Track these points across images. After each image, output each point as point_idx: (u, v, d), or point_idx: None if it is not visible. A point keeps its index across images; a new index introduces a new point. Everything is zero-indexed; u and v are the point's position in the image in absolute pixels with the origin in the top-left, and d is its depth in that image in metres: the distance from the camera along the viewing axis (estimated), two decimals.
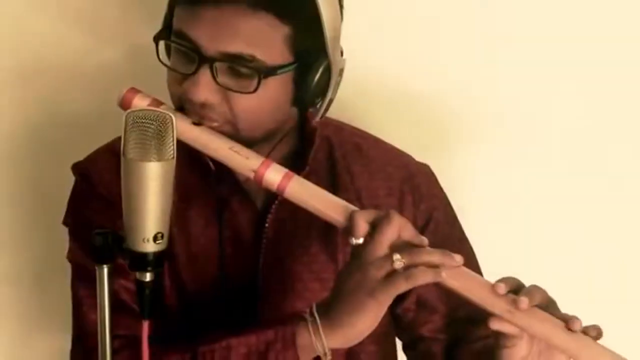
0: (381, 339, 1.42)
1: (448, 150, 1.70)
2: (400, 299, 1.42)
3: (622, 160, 1.74)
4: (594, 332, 1.17)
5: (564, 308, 1.20)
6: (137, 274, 1.09)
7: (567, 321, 1.16)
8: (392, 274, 1.16)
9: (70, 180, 1.41)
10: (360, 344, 1.37)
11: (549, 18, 1.68)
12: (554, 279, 1.23)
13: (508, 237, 1.72)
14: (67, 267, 1.40)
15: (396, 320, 1.45)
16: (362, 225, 1.20)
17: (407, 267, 1.16)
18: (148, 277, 1.09)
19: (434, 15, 1.67)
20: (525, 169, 1.74)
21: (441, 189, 1.46)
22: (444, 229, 1.42)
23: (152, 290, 1.10)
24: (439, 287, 1.35)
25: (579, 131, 1.72)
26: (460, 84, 1.70)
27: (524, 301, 1.14)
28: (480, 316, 1.20)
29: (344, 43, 1.32)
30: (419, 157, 1.47)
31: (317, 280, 1.37)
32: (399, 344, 1.50)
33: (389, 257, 1.17)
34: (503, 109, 1.71)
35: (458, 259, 1.18)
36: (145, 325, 1.10)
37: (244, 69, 1.23)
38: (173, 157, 1.07)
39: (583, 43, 1.68)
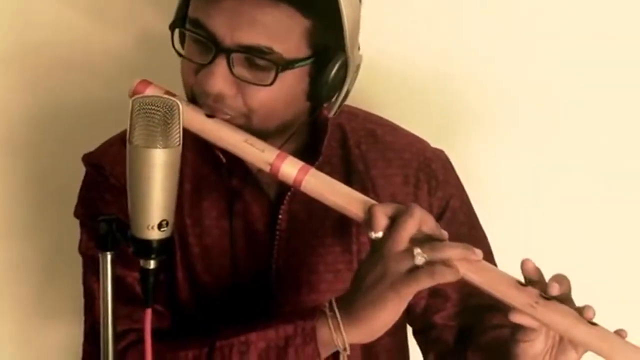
0: (393, 329, 1.38)
1: (455, 141, 1.69)
2: None
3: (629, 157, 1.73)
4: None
5: None
6: (142, 262, 1.08)
7: (582, 311, 1.15)
8: (415, 269, 1.15)
9: (79, 170, 1.41)
10: None
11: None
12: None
13: (513, 229, 1.71)
14: (77, 258, 1.40)
15: (408, 308, 1.43)
16: (381, 219, 1.18)
17: (429, 262, 1.15)
18: (152, 264, 1.08)
19: (450, 2, 1.67)
20: (535, 161, 1.74)
21: (457, 176, 1.45)
22: (459, 217, 1.41)
23: (156, 279, 1.09)
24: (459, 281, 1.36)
25: (592, 124, 1.72)
26: (473, 71, 1.69)
27: (555, 286, 1.13)
28: (493, 304, 1.19)
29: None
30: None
31: (332, 271, 1.36)
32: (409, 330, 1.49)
33: (409, 251, 1.15)
34: (516, 100, 1.71)
35: (479, 252, 1.16)
36: (148, 312, 1.09)
37: (261, 61, 1.21)
38: (179, 145, 1.06)
39: (601, 38, 1.68)
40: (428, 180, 1.39)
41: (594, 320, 1.15)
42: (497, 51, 1.69)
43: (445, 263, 1.15)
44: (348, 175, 1.37)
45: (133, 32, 1.66)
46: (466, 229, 1.40)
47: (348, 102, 1.40)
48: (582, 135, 1.72)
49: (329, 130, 1.35)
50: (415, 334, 1.48)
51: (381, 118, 1.46)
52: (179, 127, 1.05)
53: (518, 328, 1.18)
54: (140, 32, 1.65)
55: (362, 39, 1.31)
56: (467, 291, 1.38)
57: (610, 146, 1.73)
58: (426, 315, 1.42)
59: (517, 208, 1.74)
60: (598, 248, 1.75)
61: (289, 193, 1.34)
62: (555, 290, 1.13)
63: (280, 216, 1.35)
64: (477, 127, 1.71)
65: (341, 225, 1.36)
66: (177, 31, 1.27)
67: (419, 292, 1.37)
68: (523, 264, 1.17)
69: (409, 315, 1.45)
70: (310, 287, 1.35)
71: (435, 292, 1.40)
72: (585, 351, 1.19)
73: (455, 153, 1.46)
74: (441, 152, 1.45)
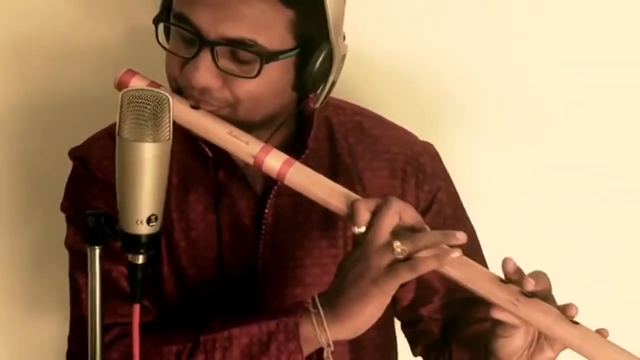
0: (382, 323, 1.40)
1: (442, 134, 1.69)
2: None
3: (625, 152, 1.73)
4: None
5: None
6: (130, 257, 1.08)
7: (565, 309, 1.15)
8: (396, 263, 1.15)
9: (66, 163, 1.40)
10: None
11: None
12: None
13: (502, 225, 1.72)
14: (64, 252, 1.40)
15: (395, 302, 1.44)
16: (363, 214, 1.18)
17: (410, 254, 1.15)
18: (140, 259, 1.08)
19: None
20: (526, 155, 1.74)
21: (445, 170, 1.45)
22: (447, 210, 1.41)
23: (144, 274, 1.09)
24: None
25: (582, 117, 1.72)
26: (461, 64, 1.69)
27: (530, 282, 1.13)
28: (479, 298, 1.18)
29: (345, 24, 1.30)
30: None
31: (318, 265, 1.36)
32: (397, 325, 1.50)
33: (390, 244, 1.15)
34: (506, 92, 1.71)
35: (460, 235, 1.15)
36: (136, 308, 1.08)
37: (246, 54, 1.21)
38: (169, 139, 1.05)
39: (593, 33, 1.68)
40: (415, 173, 1.39)
41: (576, 320, 1.15)
42: (487, 44, 1.69)
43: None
44: (335, 168, 1.37)
45: (122, 24, 1.65)
46: (452, 222, 1.40)
47: (336, 95, 1.40)
48: (573, 129, 1.72)
49: (316, 123, 1.35)
50: (403, 326, 1.49)
51: (369, 111, 1.45)
52: (169, 121, 1.05)
53: (498, 323, 1.19)
54: (130, 24, 1.64)
55: (349, 31, 1.31)
56: (453, 284, 1.37)
57: (601, 141, 1.73)
58: (413, 308, 1.42)
59: (506, 204, 1.74)
60: (594, 245, 1.75)
61: (275, 187, 1.34)
62: (530, 285, 1.13)
63: (266, 210, 1.35)
64: (464, 120, 1.72)
65: (328, 219, 1.36)
66: (162, 25, 1.27)
67: (407, 285, 1.40)
68: (504, 262, 1.17)
69: (396, 308, 1.45)
70: (296, 281, 1.35)
71: (422, 285, 1.40)
72: (563, 349, 1.19)
73: (442, 146, 1.46)
74: (430, 145, 1.45)
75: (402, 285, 1.38)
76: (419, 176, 1.39)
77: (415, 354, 1.48)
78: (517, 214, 1.74)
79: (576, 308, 1.15)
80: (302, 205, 1.35)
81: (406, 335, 1.49)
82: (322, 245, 1.36)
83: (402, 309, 1.44)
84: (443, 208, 1.40)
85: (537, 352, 1.20)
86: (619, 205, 1.74)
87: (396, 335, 1.50)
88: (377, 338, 1.41)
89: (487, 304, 1.18)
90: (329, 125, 1.40)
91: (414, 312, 1.43)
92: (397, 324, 1.50)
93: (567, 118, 1.72)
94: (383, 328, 1.42)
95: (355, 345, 1.38)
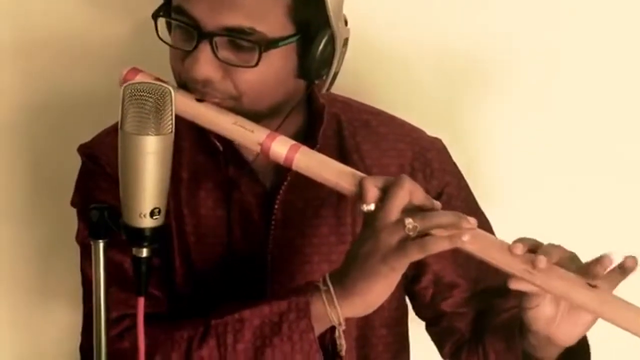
0: (391, 323, 1.41)
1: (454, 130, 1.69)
2: (416, 279, 1.41)
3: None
4: (630, 263, 1.11)
5: None
6: (134, 250, 1.08)
7: (587, 269, 1.12)
8: (406, 241, 1.14)
9: (76, 159, 1.40)
10: (372, 327, 1.38)
11: None
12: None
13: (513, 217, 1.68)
14: (73, 247, 1.40)
15: (415, 299, 1.44)
16: (372, 191, 1.17)
17: (421, 232, 1.14)
18: (144, 252, 1.08)
19: None
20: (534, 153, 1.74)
21: (454, 164, 1.44)
22: (455, 203, 1.40)
23: (149, 267, 1.09)
24: (455, 262, 1.35)
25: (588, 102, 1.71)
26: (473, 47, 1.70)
27: (542, 260, 1.11)
28: (502, 287, 1.16)
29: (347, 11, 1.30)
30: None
31: (326, 261, 1.35)
32: (412, 328, 1.48)
33: (401, 222, 1.14)
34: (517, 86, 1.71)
35: (472, 221, 1.14)
36: (141, 301, 1.09)
37: (245, 43, 1.21)
38: (171, 132, 1.05)
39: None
40: (423, 169, 1.39)
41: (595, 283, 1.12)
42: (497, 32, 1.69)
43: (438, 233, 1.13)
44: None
45: (128, 22, 1.66)
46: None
47: (345, 92, 1.40)
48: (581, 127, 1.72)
49: (325, 119, 1.35)
50: (427, 326, 1.47)
51: (376, 108, 1.45)
52: (172, 114, 1.04)
53: (523, 295, 1.16)
54: (135, 22, 1.65)
55: (352, 20, 1.30)
56: (473, 276, 1.38)
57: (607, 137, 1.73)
58: (435, 304, 1.42)
59: (516, 197, 1.74)
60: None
61: (285, 183, 1.33)
62: (542, 263, 1.10)
63: (276, 206, 1.34)
64: (477, 113, 1.72)
65: (337, 216, 1.36)
66: (165, 21, 1.28)
67: (424, 282, 1.40)
68: (512, 247, 1.14)
69: (418, 306, 1.45)
70: (304, 277, 1.34)
71: (439, 281, 1.40)
72: None
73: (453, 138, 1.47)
74: (438, 140, 1.44)
75: (418, 282, 1.41)
76: (426, 171, 1.39)
77: (443, 356, 1.46)
78: (530, 208, 1.74)
79: (601, 264, 1.10)
80: (311, 202, 1.35)
81: (432, 336, 1.47)
82: (331, 242, 1.36)
83: (424, 306, 1.44)
84: (451, 201, 1.39)
85: (576, 314, 1.17)
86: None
87: (409, 337, 1.49)
88: (387, 337, 1.41)
89: (515, 294, 1.16)
90: (337, 122, 1.39)
91: (436, 308, 1.42)
92: (413, 329, 1.49)
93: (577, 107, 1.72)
94: (394, 328, 1.42)
95: (363, 343, 1.38)
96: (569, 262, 1.14)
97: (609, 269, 1.12)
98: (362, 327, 1.38)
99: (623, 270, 1.12)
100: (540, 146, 1.73)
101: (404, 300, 1.46)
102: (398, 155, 1.39)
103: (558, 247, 1.15)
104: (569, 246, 1.16)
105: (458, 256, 1.32)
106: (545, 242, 1.16)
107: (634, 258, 1.12)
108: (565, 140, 1.73)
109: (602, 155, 1.73)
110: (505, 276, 1.15)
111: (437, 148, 1.42)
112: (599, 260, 1.12)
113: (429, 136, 1.44)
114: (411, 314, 1.48)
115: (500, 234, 1.38)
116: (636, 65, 1.69)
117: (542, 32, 1.69)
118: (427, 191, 1.35)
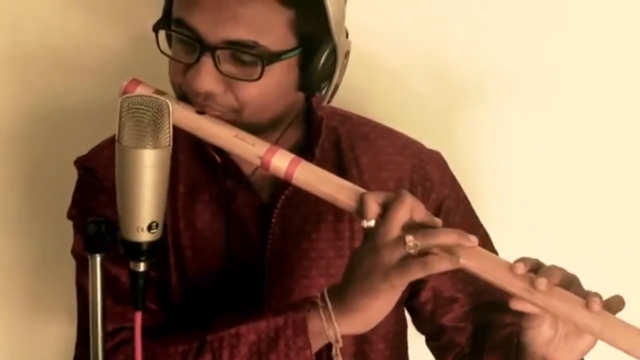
0: (390, 337, 1.40)
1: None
2: (415, 294, 1.41)
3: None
4: (616, 304, 1.12)
5: None
6: (131, 264, 1.07)
7: (587, 301, 1.11)
8: (407, 259, 1.13)
9: (72, 170, 1.40)
10: (369, 342, 1.38)
11: None
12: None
13: (511, 229, 1.70)
14: (68, 259, 1.40)
15: (415, 314, 1.44)
16: (372, 207, 1.17)
17: (422, 250, 1.13)
18: (142, 267, 1.07)
19: None
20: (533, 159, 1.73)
21: (453, 177, 1.44)
22: (455, 218, 1.40)
23: (146, 281, 1.08)
24: (454, 276, 1.35)
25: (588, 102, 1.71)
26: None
27: (542, 282, 1.10)
28: (502, 302, 1.16)
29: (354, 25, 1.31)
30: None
31: (324, 275, 1.35)
32: (412, 342, 1.48)
33: (401, 239, 1.13)
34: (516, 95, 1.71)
35: (473, 239, 1.14)
36: (138, 315, 1.08)
37: (247, 56, 1.20)
38: (169, 145, 1.05)
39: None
40: (422, 182, 1.38)
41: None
42: (495, 43, 1.70)
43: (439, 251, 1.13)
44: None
45: (128, 32, 1.66)
46: (463, 229, 1.38)
47: (341, 104, 1.39)
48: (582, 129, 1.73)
49: (323, 132, 1.34)
50: (427, 341, 1.47)
51: (375, 122, 1.44)
52: (169, 127, 1.04)
53: (523, 315, 1.16)
54: (135, 32, 1.65)
55: (353, 32, 1.30)
56: (473, 290, 1.38)
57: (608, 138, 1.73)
58: (434, 319, 1.41)
59: (515, 208, 1.74)
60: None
61: (282, 197, 1.33)
62: (542, 285, 1.10)
63: (273, 220, 1.34)
64: (476, 120, 1.72)
65: (335, 230, 1.36)
66: (165, 33, 1.27)
67: (422, 297, 1.40)
68: (513, 267, 1.14)
69: (417, 320, 1.45)
70: (302, 291, 1.34)
71: (438, 296, 1.39)
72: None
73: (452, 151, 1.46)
74: (437, 153, 1.43)
75: (417, 297, 1.40)
76: (425, 184, 1.38)
77: None
78: (530, 216, 1.74)
79: (598, 301, 1.10)
80: (309, 216, 1.34)
81: (432, 351, 1.47)
82: (329, 256, 1.35)
83: (423, 321, 1.43)
84: (450, 215, 1.39)
85: (574, 338, 1.16)
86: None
87: (408, 352, 1.48)
88: (385, 351, 1.40)
89: (512, 310, 1.15)
90: (336, 135, 1.39)
91: (436, 323, 1.42)
92: (412, 342, 1.48)
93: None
94: (392, 342, 1.41)
95: (360, 356, 1.37)
96: (569, 284, 1.14)
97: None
98: (360, 342, 1.37)
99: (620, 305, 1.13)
100: (538, 157, 1.73)
101: (403, 314, 1.45)
102: (397, 169, 1.38)
103: (559, 269, 1.14)
104: (567, 262, 1.16)
105: (457, 270, 1.31)
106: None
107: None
108: (565, 150, 1.73)
109: (601, 164, 1.73)
110: (504, 290, 1.14)
111: (436, 161, 1.42)
112: (591, 298, 1.11)
113: (427, 149, 1.43)
114: (411, 328, 1.47)
115: (498, 245, 1.40)
116: (636, 65, 1.70)
117: (538, 43, 1.69)
118: (426, 204, 1.36)
